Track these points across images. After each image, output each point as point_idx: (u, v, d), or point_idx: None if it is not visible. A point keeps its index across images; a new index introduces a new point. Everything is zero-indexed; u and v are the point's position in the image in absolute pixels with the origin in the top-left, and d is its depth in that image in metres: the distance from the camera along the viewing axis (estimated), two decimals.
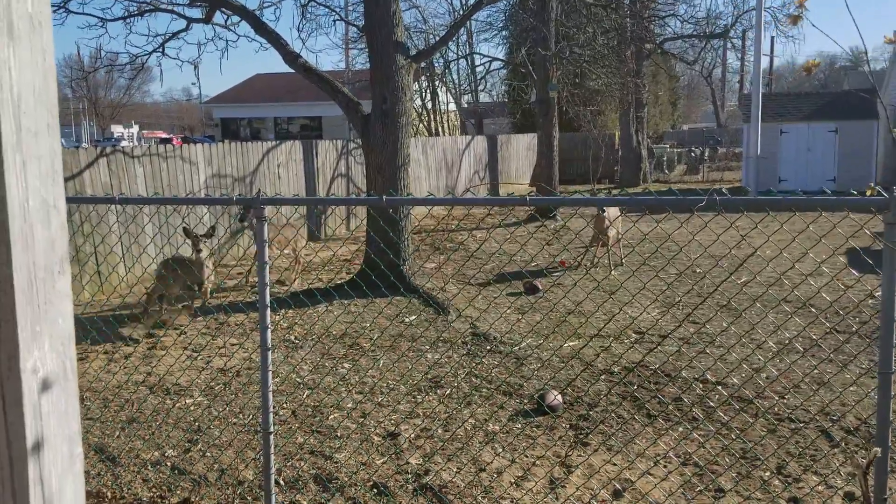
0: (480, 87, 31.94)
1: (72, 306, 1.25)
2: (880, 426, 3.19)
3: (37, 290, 1.17)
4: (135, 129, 63.58)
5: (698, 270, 10.25)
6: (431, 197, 3.89)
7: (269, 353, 3.95)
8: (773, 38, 40.72)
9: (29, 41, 1.15)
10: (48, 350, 1.20)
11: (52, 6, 9.03)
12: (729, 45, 32.59)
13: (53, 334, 1.21)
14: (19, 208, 1.14)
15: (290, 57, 10.31)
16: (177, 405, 5.96)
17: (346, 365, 6.90)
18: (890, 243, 2.99)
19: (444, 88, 30.94)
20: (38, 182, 1.17)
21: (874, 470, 3.20)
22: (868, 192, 2.66)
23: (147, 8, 11.56)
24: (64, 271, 1.23)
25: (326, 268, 11.57)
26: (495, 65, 27.87)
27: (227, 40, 14.11)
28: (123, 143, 49.29)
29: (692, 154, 30.92)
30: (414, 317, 8.58)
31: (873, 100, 23.08)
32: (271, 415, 3.98)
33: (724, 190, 3.98)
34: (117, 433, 5.41)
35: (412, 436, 5.27)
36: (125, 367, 6.87)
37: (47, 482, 1.21)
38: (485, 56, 27.85)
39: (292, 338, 7.76)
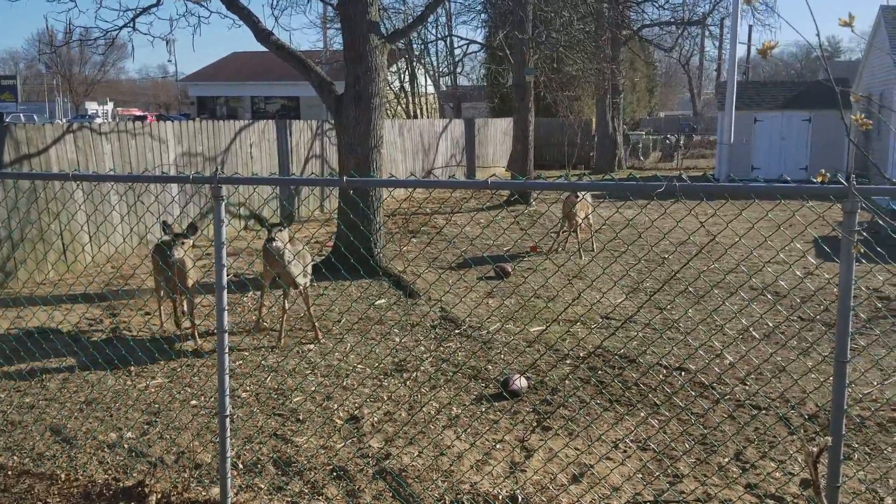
0: (459, 70, 31.82)
1: None
2: (835, 414, 3.21)
3: None
4: (109, 106, 62.63)
5: (666, 257, 10.30)
6: (393, 178, 3.84)
7: (226, 335, 3.89)
8: (750, 26, 40.93)
9: None
10: None
11: None
12: (706, 32, 32.69)
13: None
14: None
15: (263, 35, 10.15)
16: (137, 386, 5.88)
17: (311, 347, 6.85)
18: (847, 232, 3.00)
19: (422, 70, 30.77)
20: None
21: (827, 457, 3.23)
22: (819, 179, 2.64)
23: None
24: None
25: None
26: (473, 48, 27.72)
27: (199, 16, 13.86)
28: (97, 121, 48.54)
29: (667, 141, 31.05)
30: (383, 300, 8.54)
31: (847, 89, 23.29)
32: (227, 398, 3.93)
33: (684, 176, 4.06)
34: (75, 414, 5.32)
35: (375, 419, 5.24)
36: (86, 349, 6.77)
37: None
38: (463, 39, 27.64)
39: (255, 318, 7.68)
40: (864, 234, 3.10)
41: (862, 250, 2.88)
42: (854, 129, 2.71)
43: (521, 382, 5.67)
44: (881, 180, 18.01)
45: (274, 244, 6.32)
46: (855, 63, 35.05)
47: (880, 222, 3.41)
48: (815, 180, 2.97)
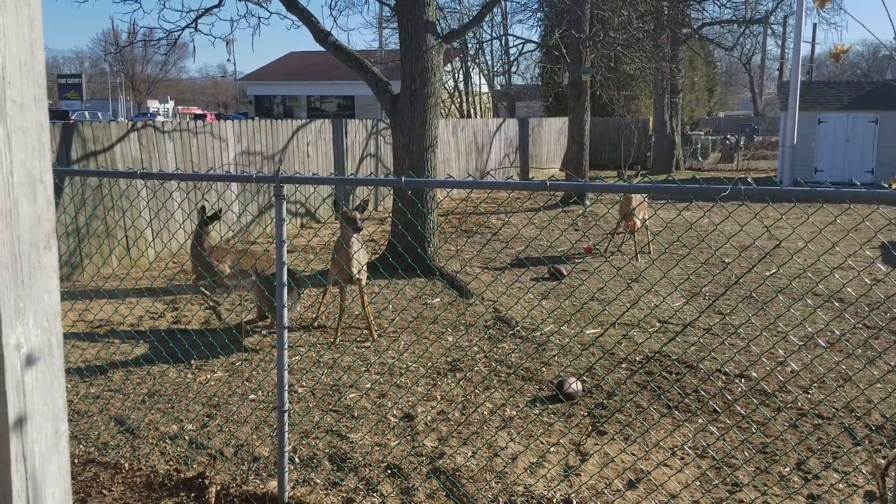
0: (513, 70, 31.71)
1: (58, 282, 1.24)
2: None
3: (21, 266, 1.16)
4: (170, 104, 64.19)
5: (726, 260, 10.10)
6: (451, 179, 3.85)
7: (285, 331, 3.96)
8: (814, 24, 39.84)
9: (15, 10, 1.12)
10: (32, 326, 1.19)
11: None
12: (769, 31, 31.92)
13: (38, 310, 1.20)
14: (3, 182, 1.12)
15: (321, 35, 10.28)
16: (197, 380, 6.02)
17: (366, 344, 6.91)
18: None
19: (476, 70, 30.76)
20: (24, 155, 1.15)
21: (894, 470, 3.13)
22: (893, 185, 2.56)
23: None
24: (50, 247, 1.21)
25: None
26: (528, 47, 27.59)
27: (259, 17, 14.09)
28: (158, 118, 49.82)
29: (727, 142, 30.43)
30: (436, 299, 8.57)
31: None
32: (286, 392, 3.99)
33: (749, 179, 3.93)
34: (138, 406, 5.47)
35: (429, 418, 5.27)
36: (149, 342, 6.95)
37: (30, 459, 1.20)
38: (518, 38, 27.60)
39: (313, 315, 7.78)
40: None
41: None
42: None
43: (576, 386, 5.63)
44: None
45: (361, 231, 6.47)
46: None
47: None
48: (884, 185, 2.87)
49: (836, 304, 7.84)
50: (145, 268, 9.72)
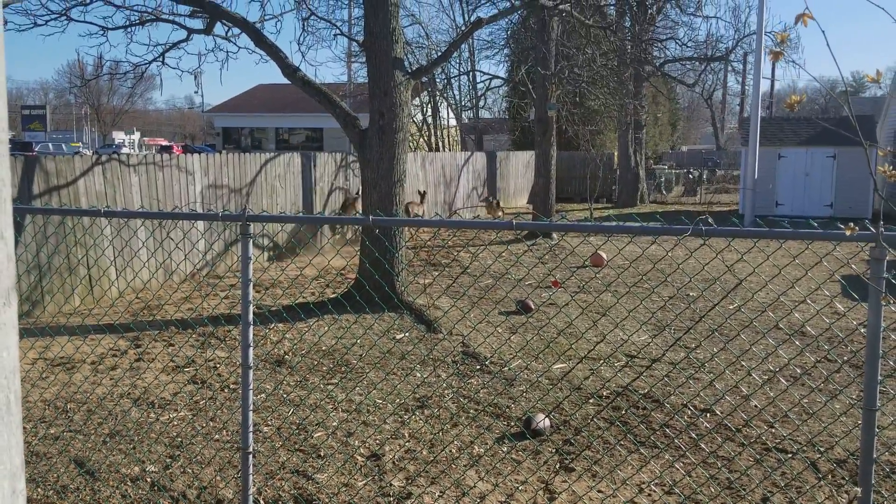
0: (481, 104, 32.06)
1: (17, 338, 1.22)
2: (864, 463, 3.15)
3: None
4: (136, 135, 63.71)
5: (692, 294, 10.22)
6: (418, 218, 3.87)
7: (250, 371, 3.92)
8: (773, 62, 40.90)
9: None
10: None
11: (54, 13, 8.92)
12: (729, 68, 32.72)
13: None
14: None
15: (289, 70, 10.32)
16: (160, 419, 5.91)
17: (333, 381, 6.85)
18: (875, 279, 2.97)
19: (445, 104, 31.04)
20: None
21: None
22: (848, 232, 2.64)
23: (148, 18, 11.57)
24: (10, 303, 1.20)
25: (322, 281, 11.53)
26: (496, 82, 27.98)
27: (227, 52, 14.06)
28: (124, 150, 49.37)
29: (690, 176, 30.97)
30: (404, 334, 8.54)
31: (873, 126, 23.16)
32: (251, 434, 3.94)
33: (709, 220, 4.02)
34: (99, 447, 5.35)
35: (396, 457, 5.22)
36: (111, 378, 6.82)
37: None
38: (485, 73, 27.91)
39: (281, 352, 7.71)
40: (893, 280, 3.08)
41: (892, 300, 2.85)
42: (881, 179, 2.70)
43: (544, 423, 5.63)
44: None
45: None
46: (881, 99, 34.90)
47: None
48: (840, 226, 2.95)
49: (797, 342, 7.96)
50: (108, 305, 9.56)
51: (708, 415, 5.99)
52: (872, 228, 2.91)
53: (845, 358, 7.43)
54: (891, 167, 2.75)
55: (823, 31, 2.23)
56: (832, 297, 4.25)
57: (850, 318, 8.84)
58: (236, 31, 11.35)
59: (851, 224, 2.68)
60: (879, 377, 3.11)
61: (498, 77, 25.16)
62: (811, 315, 8.55)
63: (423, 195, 17.10)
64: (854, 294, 4.70)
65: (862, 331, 8.14)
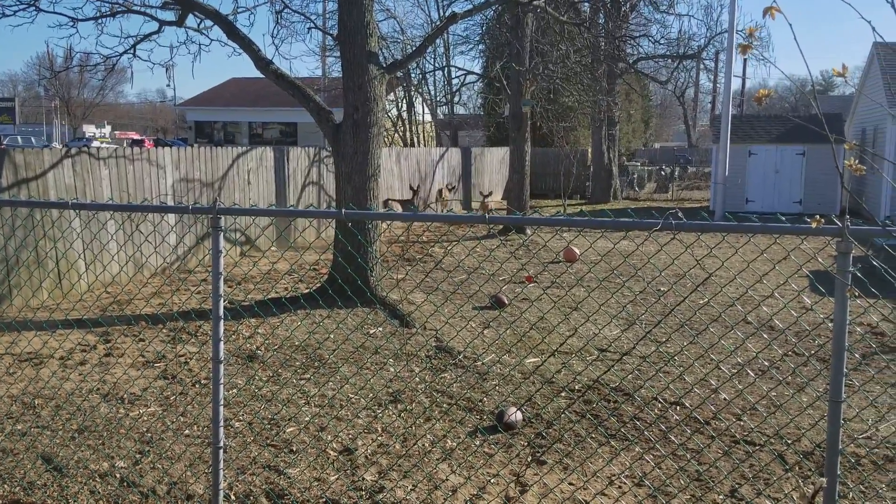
0: (456, 100, 32.02)
1: None
2: (829, 454, 3.21)
3: None
4: (107, 129, 62.86)
5: (662, 289, 10.32)
6: (391, 212, 3.86)
7: (221, 366, 3.89)
8: (745, 60, 41.35)
9: None
10: None
11: (22, 3, 8.77)
12: (701, 66, 33.06)
13: None
14: None
15: (262, 63, 10.24)
16: (129, 414, 5.85)
17: (306, 376, 6.83)
18: (841, 273, 3.02)
19: (420, 99, 30.98)
20: None
21: (822, 498, 3.22)
22: (814, 225, 2.68)
23: (119, 9, 11.41)
24: None
25: (295, 276, 11.48)
26: (470, 78, 27.97)
27: (199, 44, 14.00)
28: (94, 144, 48.69)
29: (662, 173, 31.24)
30: (377, 328, 8.53)
31: (841, 124, 23.51)
32: (221, 429, 3.91)
33: (680, 214, 4.07)
34: (67, 443, 5.28)
35: (369, 452, 5.22)
36: (79, 374, 6.74)
37: None
38: (460, 69, 27.91)
39: (253, 347, 7.66)
40: (859, 273, 3.13)
41: (857, 293, 2.90)
42: (847, 174, 2.75)
43: (516, 416, 5.66)
44: (876, 214, 18.00)
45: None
46: (849, 97, 35.44)
47: (875, 262, 3.44)
48: (808, 221, 2.99)
49: (766, 335, 8.07)
50: (77, 299, 9.43)
51: (677, 407, 6.06)
52: (838, 222, 2.96)
53: (812, 351, 7.55)
54: (856, 161, 2.80)
55: (790, 25, 2.26)
56: (799, 291, 4.33)
57: (818, 311, 8.98)
58: (209, 23, 11.25)
59: (818, 217, 2.72)
60: (845, 370, 3.16)
61: (473, 73, 25.16)
62: (779, 309, 8.68)
63: (415, 191, 17.46)
64: (821, 288, 4.78)
65: (828, 324, 8.28)
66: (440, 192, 19.91)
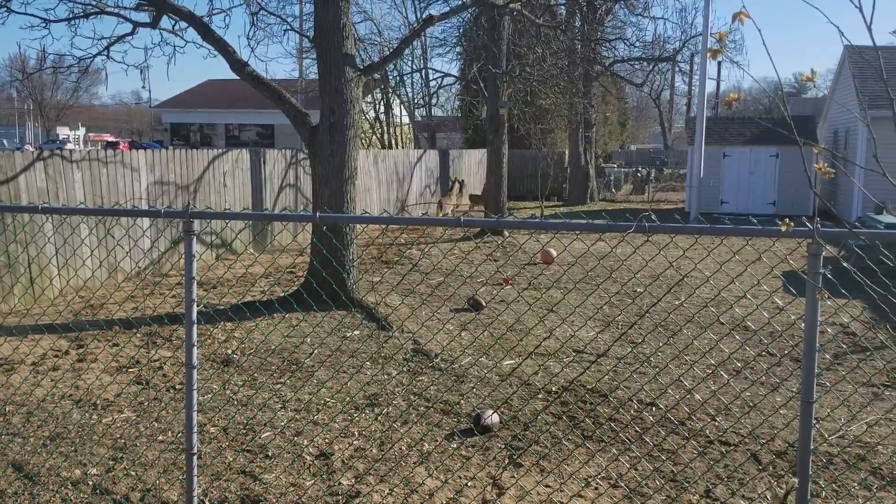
0: (434, 102, 32.05)
1: None
2: (801, 454, 3.24)
3: None
4: (81, 131, 62.12)
5: (638, 290, 10.38)
6: (366, 215, 3.85)
7: (195, 370, 3.85)
8: (719, 63, 41.71)
9: None
10: None
11: None
12: (677, 68, 33.34)
13: None
14: None
15: (238, 65, 10.17)
16: (102, 421, 5.78)
17: (282, 380, 6.78)
18: (812, 275, 3.05)
19: (397, 101, 30.95)
20: None
21: (794, 498, 3.25)
22: (783, 227, 2.71)
23: (92, 10, 11.29)
24: None
25: (270, 280, 11.41)
26: (448, 80, 28.00)
27: (174, 46, 13.83)
28: (69, 146, 48.09)
29: (638, 174, 31.46)
30: (356, 332, 8.50)
31: (814, 126, 23.81)
32: (195, 434, 3.87)
33: (652, 217, 4.09)
34: (38, 450, 5.21)
35: (345, 456, 5.19)
36: (51, 380, 6.64)
37: None
38: (438, 71, 27.98)
39: (228, 351, 7.60)
40: (829, 274, 3.17)
41: (826, 295, 2.93)
42: (818, 176, 2.79)
43: (493, 419, 5.66)
44: (848, 216, 18.23)
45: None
46: (821, 100, 35.88)
47: (845, 264, 3.48)
48: (778, 224, 3.02)
49: (738, 336, 8.15)
50: (48, 304, 9.31)
51: (653, 408, 6.10)
52: (809, 225, 2.99)
53: (785, 351, 7.63)
54: (826, 164, 2.83)
55: (759, 30, 2.28)
56: (771, 292, 4.38)
57: (790, 312, 9.09)
58: (183, 24, 11.15)
59: (787, 219, 2.75)
60: (817, 370, 3.20)
61: (450, 75, 25.21)
62: (752, 310, 8.77)
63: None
64: (792, 289, 4.82)
65: (801, 325, 8.36)
66: (452, 187, 19.76)
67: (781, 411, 5.93)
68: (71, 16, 11.45)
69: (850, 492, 4.69)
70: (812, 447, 3.19)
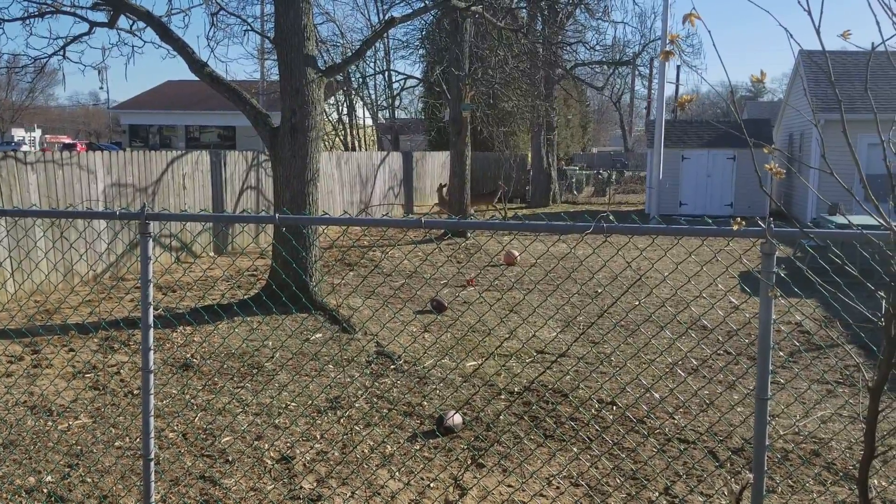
0: (397, 104, 31.99)
1: None
2: (757, 450, 3.30)
3: None
4: (38, 133, 60.81)
5: (598, 290, 10.49)
6: (326, 216, 3.83)
7: (151, 375, 3.80)
8: (678, 66, 42.33)
9: None
10: None
11: None
12: (636, 72, 33.75)
13: None
14: None
15: (197, 66, 10.06)
16: (58, 427, 5.66)
17: (242, 384, 6.71)
18: (766, 274, 3.12)
19: (360, 103, 30.85)
20: None
21: (750, 494, 3.31)
22: (735, 226, 2.76)
23: (47, 9, 11.07)
24: None
25: (231, 282, 11.29)
26: (411, 82, 27.99)
27: (132, 46, 13.61)
28: (24, 148, 47.09)
29: (600, 177, 31.79)
30: (318, 334, 8.45)
31: (770, 129, 24.29)
32: (152, 440, 3.82)
33: (611, 217, 4.16)
34: None
35: (307, 459, 5.16)
36: (4, 386, 6.49)
37: None
38: (401, 73, 27.93)
39: (187, 355, 7.51)
40: (783, 274, 3.24)
41: (778, 293, 2.99)
42: (771, 177, 2.84)
43: (455, 419, 5.67)
44: (803, 217, 18.57)
45: None
46: (777, 103, 36.59)
47: (798, 264, 3.56)
48: (732, 223, 3.08)
49: (693, 334, 8.27)
50: (1, 308, 9.09)
51: (612, 407, 6.16)
52: (762, 225, 3.05)
53: (741, 350, 7.77)
54: (777, 165, 2.89)
55: (710, 31, 2.33)
56: (727, 291, 4.47)
57: (746, 311, 9.25)
58: (142, 24, 10.99)
59: (738, 219, 2.80)
60: (772, 368, 3.26)
61: (413, 77, 25.22)
62: (707, 309, 8.91)
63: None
64: (747, 288, 4.91)
65: (755, 323, 8.52)
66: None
67: (738, 408, 6.04)
68: (26, 15, 11.22)
69: (804, 487, 4.79)
70: (767, 443, 3.25)
